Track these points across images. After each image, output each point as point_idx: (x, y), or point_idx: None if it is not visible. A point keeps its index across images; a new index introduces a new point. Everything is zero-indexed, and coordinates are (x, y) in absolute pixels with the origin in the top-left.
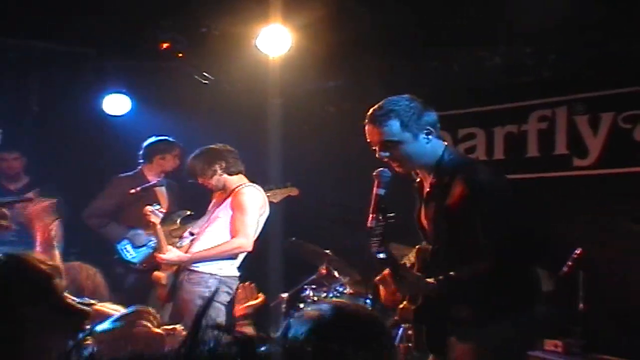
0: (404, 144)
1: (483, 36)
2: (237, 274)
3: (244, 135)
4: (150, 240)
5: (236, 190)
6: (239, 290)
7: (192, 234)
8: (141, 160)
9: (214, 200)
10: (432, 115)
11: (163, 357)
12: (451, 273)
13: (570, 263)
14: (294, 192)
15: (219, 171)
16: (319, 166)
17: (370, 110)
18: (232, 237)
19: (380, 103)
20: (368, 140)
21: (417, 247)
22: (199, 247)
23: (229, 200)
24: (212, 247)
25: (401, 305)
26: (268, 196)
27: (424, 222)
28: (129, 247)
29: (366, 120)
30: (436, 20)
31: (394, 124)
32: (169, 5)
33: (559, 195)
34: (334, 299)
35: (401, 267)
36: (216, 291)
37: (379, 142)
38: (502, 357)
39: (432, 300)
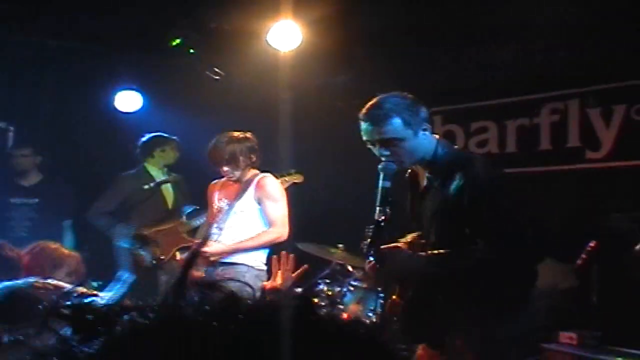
0: (406, 141)
1: (495, 29)
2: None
3: (254, 131)
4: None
5: (259, 181)
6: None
7: (219, 228)
8: (141, 157)
9: (218, 192)
10: (425, 111)
11: (143, 310)
12: (442, 250)
13: (584, 256)
14: (298, 178)
15: (252, 163)
16: (329, 160)
17: (367, 110)
18: (271, 226)
19: (375, 102)
20: (365, 138)
21: (408, 239)
22: (229, 240)
23: (250, 191)
24: (252, 238)
25: (390, 299)
26: None
27: (420, 216)
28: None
29: (363, 119)
30: (447, 14)
31: (397, 122)
32: (180, 2)
33: (572, 188)
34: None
35: (389, 251)
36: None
37: (381, 140)
38: (500, 352)
39: (422, 293)
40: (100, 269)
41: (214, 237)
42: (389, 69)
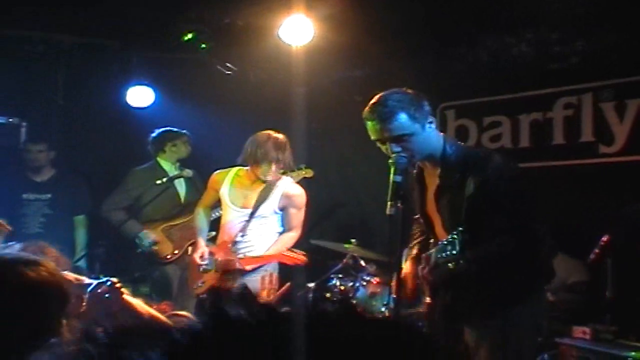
0: (415, 135)
1: (509, 23)
2: None
3: (268, 126)
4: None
5: (287, 191)
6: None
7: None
8: (153, 152)
9: (228, 192)
10: (428, 105)
11: (187, 328)
12: (472, 250)
13: (597, 250)
14: (308, 173)
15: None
16: (344, 155)
17: (371, 108)
18: (290, 230)
19: (378, 99)
20: (373, 137)
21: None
22: (249, 243)
23: (274, 198)
24: (277, 243)
25: (427, 301)
26: None
27: (432, 214)
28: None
29: (369, 118)
30: (462, 7)
31: (403, 118)
32: None
33: (586, 182)
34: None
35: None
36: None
37: (390, 137)
38: (521, 348)
39: (453, 295)
40: (113, 264)
41: (240, 245)
42: (403, 63)
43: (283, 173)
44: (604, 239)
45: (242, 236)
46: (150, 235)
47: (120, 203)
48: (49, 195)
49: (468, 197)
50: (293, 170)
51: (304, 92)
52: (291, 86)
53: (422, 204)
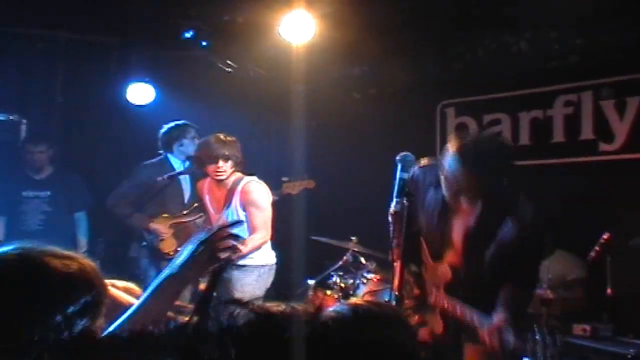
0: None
1: (509, 21)
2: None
3: (268, 123)
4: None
5: (244, 187)
6: None
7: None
8: (162, 149)
9: (207, 195)
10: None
11: (167, 334)
12: (506, 303)
13: (597, 248)
14: (310, 184)
15: (240, 163)
16: (344, 152)
17: (471, 149)
18: (252, 233)
19: (490, 145)
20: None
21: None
22: None
23: (235, 198)
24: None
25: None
26: (286, 187)
27: (454, 238)
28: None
29: (466, 159)
30: (462, 5)
31: (484, 179)
32: None
33: (586, 180)
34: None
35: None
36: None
37: (469, 186)
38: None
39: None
40: (113, 263)
41: None
42: (403, 61)
43: (284, 182)
44: (604, 236)
45: None
46: (157, 230)
47: (125, 197)
48: (48, 193)
49: (501, 240)
50: (296, 180)
51: (304, 89)
52: (291, 83)
53: (442, 223)
